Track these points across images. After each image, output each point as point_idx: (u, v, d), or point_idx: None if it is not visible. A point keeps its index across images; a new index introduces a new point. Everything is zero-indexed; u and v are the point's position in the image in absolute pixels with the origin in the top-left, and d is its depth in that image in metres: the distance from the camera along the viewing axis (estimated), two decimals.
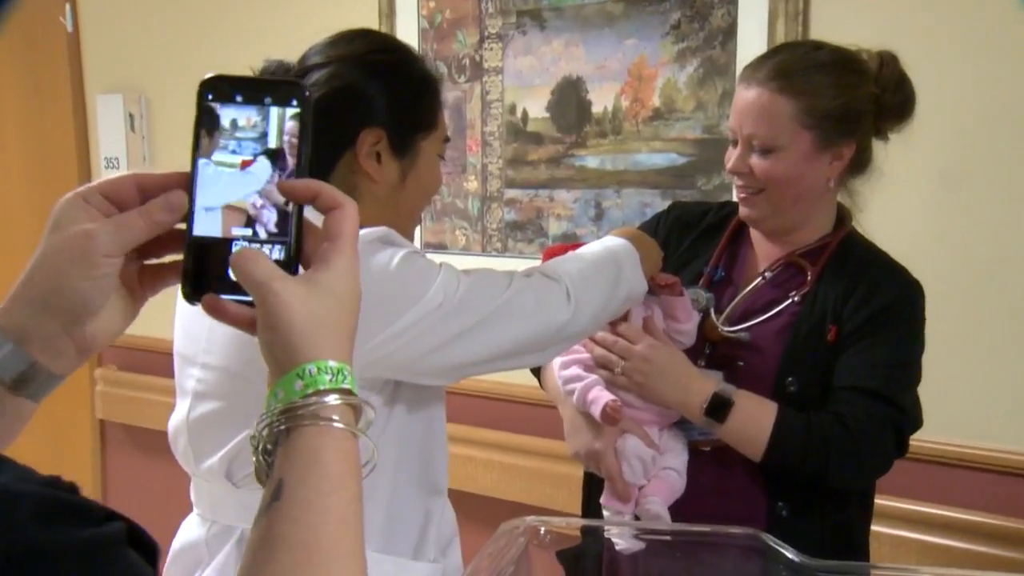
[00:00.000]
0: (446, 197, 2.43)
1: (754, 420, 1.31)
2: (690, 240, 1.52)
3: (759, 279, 1.41)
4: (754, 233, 1.46)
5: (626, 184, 2.20)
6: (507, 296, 1.12)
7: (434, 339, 1.07)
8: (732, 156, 1.37)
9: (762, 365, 1.37)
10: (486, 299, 1.11)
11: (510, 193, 2.36)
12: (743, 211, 1.40)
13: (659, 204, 2.15)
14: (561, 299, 1.14)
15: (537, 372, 1.50)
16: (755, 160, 1.35)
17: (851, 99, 1.31)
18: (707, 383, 1.33)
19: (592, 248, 1.25)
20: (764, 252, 1.45)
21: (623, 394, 1.33)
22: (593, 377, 1.33)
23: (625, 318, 1.34)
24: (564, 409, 1.41)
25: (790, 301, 1.37)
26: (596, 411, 1.32)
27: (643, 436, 1.34)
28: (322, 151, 1.09)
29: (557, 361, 1.37)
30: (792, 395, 1.33)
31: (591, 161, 2.24)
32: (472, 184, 2.42)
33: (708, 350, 1.41)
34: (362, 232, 1.01)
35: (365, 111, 1.16)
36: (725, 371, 1.38)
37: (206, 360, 1.16)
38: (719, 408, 1.32)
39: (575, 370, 1.35)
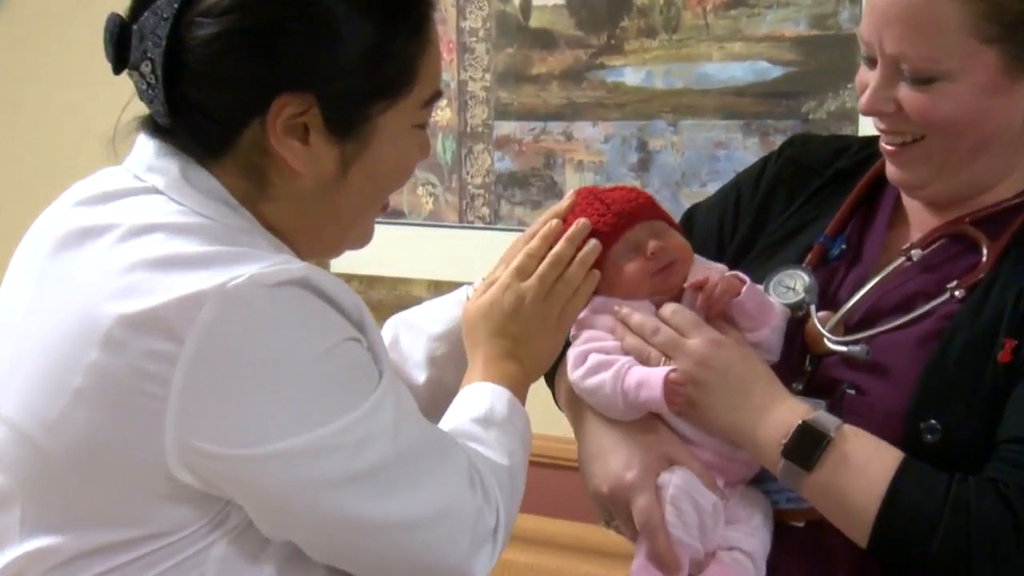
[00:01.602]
0: None
1: (860, 472, 1.19)
2: (806, 195, 1.41)
3: (901, 259, 1.29)
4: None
5: (688, 112, 2.14)
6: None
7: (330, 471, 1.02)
8: (868, 85, 1.26)
9: (887, 396, 1.25)
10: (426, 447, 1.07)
11: (503, 128, 2.30)
12: (891, 171, 1.29)
13: (739, 144, 2.11)
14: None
15: (551, 378, 1.43)
16: (906, 93, 1.23)
17: None
18: (795, 409, 1.23)
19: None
20: (918, 218, 1.35)
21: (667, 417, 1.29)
22: (626, 358, 1.25)
23: (676, 296, 1.28)
24: (580, 421, 1.33)
25: (946, 297, 1.25)
26: (649, 395, 1.22)
27: (702, 472, 1.25)
28: (214, 120, 1.06)
29: (572, 353, 1.29)
30: (930, 446, 1.21)
31: (631, 75, 2.17)
32: (443, 114, 2.33)
33: (810, 367, 1.29)
34: (253, 273, 0.98)
35: (281, 64, 1.06)
36: (830, 401, 1.26)
37: None
38: (807, 446, 1.20)
39: (598, 357, 1.26)
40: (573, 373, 1.31)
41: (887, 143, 1.29)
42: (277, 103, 1.06)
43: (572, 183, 2.21)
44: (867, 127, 1.89)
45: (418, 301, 2.26)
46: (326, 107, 1.08)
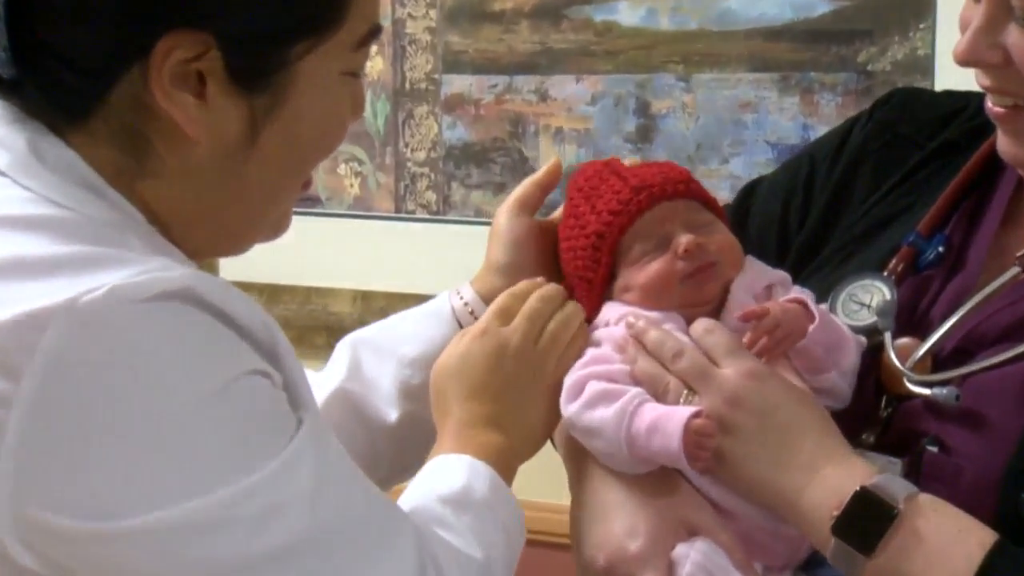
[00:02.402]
0: None
1: (937, 558, 1.17)
2: (901, 174, 1.42)
3: (1015, 270, 1.28)
4: None
5: (704, 62, 2.16)
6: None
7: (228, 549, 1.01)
8: (968, 27, 1.25)
9: (979, 456, 1.23)
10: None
11: (455, 84, 2.32)
12: (1002, 143, 1.28)
13: (773, 105, 2.13)
14: None
15: None
16: (1018, 39, 1.21)
17: None
18: (854, 470, 1.21)
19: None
20: None
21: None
22: (636, 389, 1.25)
23: (715, 312, 1.29)
24: (579, 468, 1.31)
25: None
26: (664, 445, 1.21)
27: (731, 546, 1.23)
28: (77, 70, 1.06)
29: (568, 379, 1.28)
30: None
31: (628, 12, 2.20)
32: (372, 64, 2.36)
33: (886, 412, 1.29)
34: (115, 284, 0.96)
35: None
36: (906, 459, 1.25)
37: None
38: (867, 521, 1.19)
39: (603, 384, 1.25)
40: (567, 406, 1.28)
41: (994, 104, 1.26)
42: (163, 44, 1.05)
43: (548, 157, 2.14)
44: (947, 82, 1.82)
45: (339, 317, 2.26)
46: (228, 49, 1.08)
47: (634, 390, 1.26)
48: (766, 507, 1.27)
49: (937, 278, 1.35)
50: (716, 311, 1.30)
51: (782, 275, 1.32)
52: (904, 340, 1.30)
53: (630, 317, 1.28)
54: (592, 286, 1.31)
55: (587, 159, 2.14)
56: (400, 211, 2.33)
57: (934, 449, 1.27)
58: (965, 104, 1.45)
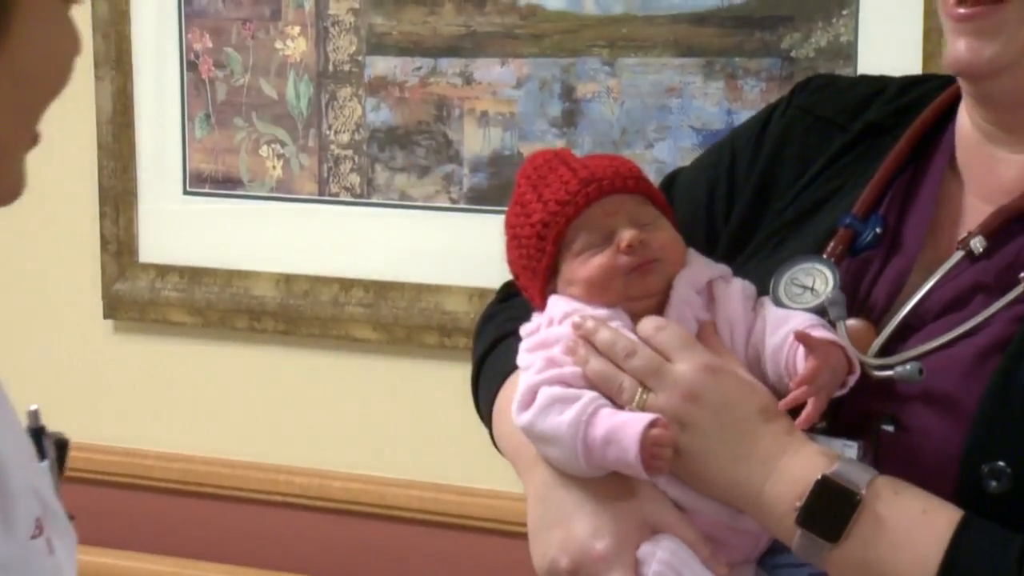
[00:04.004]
0: (237, 76, 2.40)
1: (903, 541, 1.20)
2: (826, 159, 1.44)
3: (959, 253, 1.30)
4: (965, 149, 1.37)
5: (629, 47, 2.16)
6: None
7: None
8: None
9: (937, 431, 1.26)
10: None
11: (379, 66, 2.32)
12: (956, 51, 1.29)
13: (698, 90, 2.15)
14: None
15: (485, 410, 1.47)
16: None
17: None
18: (813, 457, 1.24)
19: None
20: (981, 187, 1.35)
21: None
22: (591, 394, 1.25)
23: (658, 308, 1.30)
24: (530, 473, 1.35)
25: (1020, 291, 1.27)
26: (620, 456, 1.22)
27: (697, 542, 1.25)
28: None
29: (520, 386, 1.30)
30: (995, 497, 1.21)
31: None
32: (295, 45, 2.33)
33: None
34: None
35: None
36: (863, 441, 1.26)
37: None
38: (831, 509, 1.22)
39: (556, 390, 1.26)
40: (520, 416, 1.28)
41: (957, 4, 1.26)
42: None
43: (472, 142, 2.20)
44: (868, 69, 1.86)
45: (263, 301, 2.25)
46: None
47: (588, 395, 1.27)
48: (727, 502, 1.28)
49: (876, 259, 1.37)
50: (659, 306, 1.31)
51: (724, 268, 1.33)
52: (852, 322, 1.32)
53: (575, 317, 1.27)
54: (535, 276, 1.31)
55: (512, 143, 2.20)
56: (323, 194, 2.33)
57: (890, 428, 1.28)
58: (883, 87, 1.48)
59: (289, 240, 2.28)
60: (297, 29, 2.31)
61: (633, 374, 1.28)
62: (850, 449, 1.27)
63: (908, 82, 1.50)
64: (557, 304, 1.28)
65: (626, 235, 1.25)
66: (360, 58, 2.29)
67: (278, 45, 2.33)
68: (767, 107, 1.55)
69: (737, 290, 1.33)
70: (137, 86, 2.29)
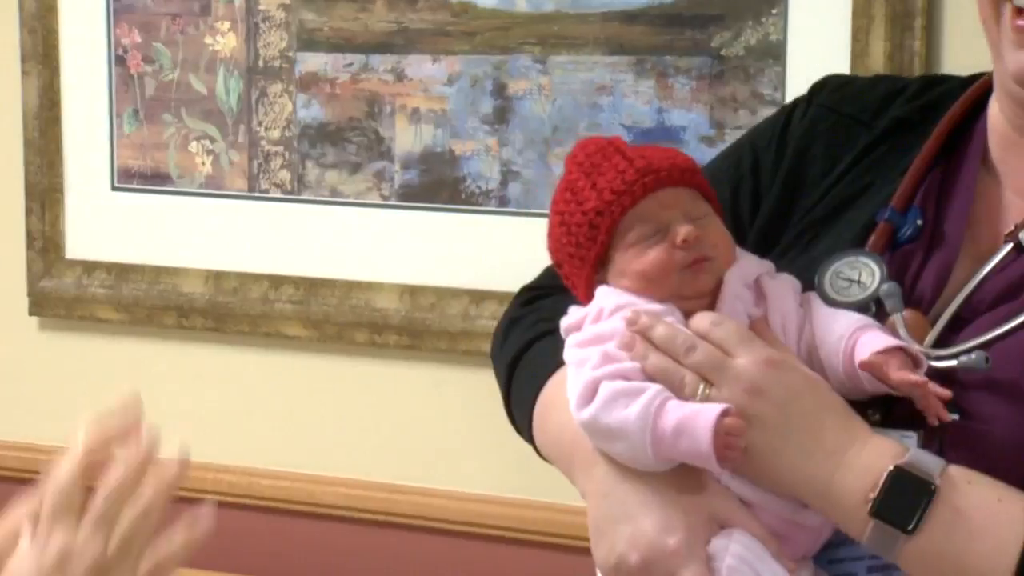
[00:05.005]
0: (166, 72, 2.40)
1: (981, 531, 1.21)
2: (854, 155, 1.44)
3: (1006, 246, 1.32)
4: (1001, 147, 1.38)
5: (560, 44, 2.17)
6: None
7: None
8: None
9: (1005, 420, 1.26)
10: None
11: (309, 62, 2.32)
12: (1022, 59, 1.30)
13: (629, 88, 2.15)
14: None
15: (519, 415, 1.46)
16: None
17: None
18: (881, 449, 1.24)
19: None
20: (1020, 185, 1.36)
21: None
22: (656, 386, 1.25)
23: (710, 304, 1.29)
24: (587, 473, 1.33)
25: None
26: (693, 447, 1.22)
27: (765, 537, 1.25)
28: None
29: (576, 382, 1.27)
30: None
31: None
32: (225, 41, 2.33)
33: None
34: None
35: None
36: (922, 432, 1.27)
37: None
38: (905, 499, 1.22)
39: (620, 383, 1.25)
40: (582, 411, 1.27)
41: (1018, 15, 1.25)
42: None
43: (404, 138, 2.20)
44: (797, 68, 1.90)
45: (191, 298, 2.23)
46: None
47: (654, 387, 1.26)
48: (794, 496, 1.28)
49: (918, 252, 1.37)
50: (711, 303, 1.30)
51: (769, 264, 1.33)
52: (906, 313, 1.32)
53: (628, 311, 1.26)
54: (583, 265, 1.29)
55: (444, 140, 2.20)
56: (253, 190, 2.31)
57: (955, 416, 1.28)
58: (903, 86, 1.49)
59: (218, 237, 2.26)
60: (227, 24, 2.30)
61: (694, 369, 1.28)
62: (909, 440, 1.28)
63: (928, 81, 1.51)
64: (607, 296, 1.27)
65: (682, 230, 1.24)
66: (291, 54, 2.28)
67: (208, 40, 2.32)
68: (781, 109, 1.57)
69: (787, 285, 1.34)
70: (64, 81, 2.26)
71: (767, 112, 1.94)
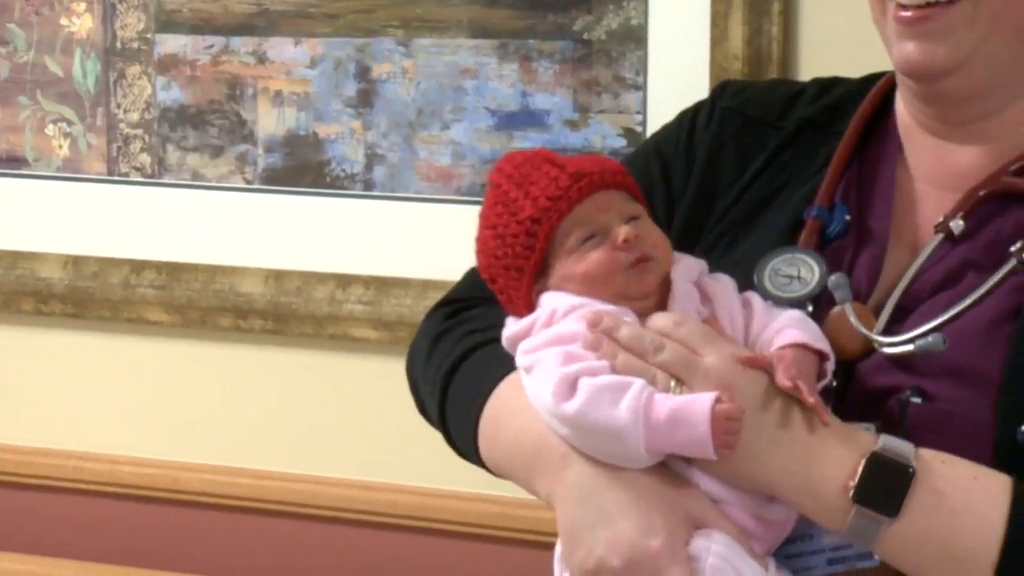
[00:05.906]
0: (21, 53, 2.39)
1: (962, 509, 1.23)
2: (765, 156, 1.47)
3: (937, 236, 1.35)
4: (910, 140, 1.41)
5: (423, 28, 2.19)
6: None
7: None
8: None
9: (965, 399, 1.29)
10: None
11: (169, 44, 2.31)
12: (907, 52, 1.32)
13: (493, 72, 2.16)
14: None
15: (461, 423, 1.43)
16: None
17: None
18: (849, 438, 1.25)
19: None
20: (934, 175, 1.39)
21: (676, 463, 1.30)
22: (640, 381, 1.23)
23: (658, 303, 1.29)
24: (556, 476, 1.32)
25: (1012, 264, 1.30)
26: (691, 436, 1.22)
27: (740, 535, 1.26)
28: None
29: (552, 378, 1.26)
30: None
31: None
32: (81, 22, 2.32)
33: (838, 381, 1.33)
34: None
35: None
36: (879, 423, 1.28)
37: None
38: (886, 485, 1.23)
39: (601, 379, 1.24)
40: (562, 405, 1.26)
41: (906, 4, 1.28)
42: None
43: (267, 121, 2.19)
44: (658, 52, 1.92)
45: (50, 283, 2.21)
46: None
47: (638, 381, 1.25)
48: (770, 491, 1.28)
49: (847, 248, 1.40)
50: (662, 303, 1.31)
51: (703, 263, 1.34)
52: (851, 304, 1.33)
53: (584, 311, 1.26)
54: (521, 276, 1.30)
55: (307, 123, 2.20)
56: (113, 173, 2.30)
57: (917, 401, 1.30)
58: (800, 89, 1.52)
59: (77, 221, 2.24)
60: (83, 6, 2.28)
61: (662, 368, 1.28)
62: (869, 431, 1.29)
63: (824, 84, 1.53)
64: (556, 299, 1.28)
65: (623, 230, 1.25)
66: (149, 35, 2.26)
67: (63, 22, 2.29)
68: (683, 113, 1.57)
69: (727, 284, 1.35)
70: None
71: (630, 96, 1.97)
